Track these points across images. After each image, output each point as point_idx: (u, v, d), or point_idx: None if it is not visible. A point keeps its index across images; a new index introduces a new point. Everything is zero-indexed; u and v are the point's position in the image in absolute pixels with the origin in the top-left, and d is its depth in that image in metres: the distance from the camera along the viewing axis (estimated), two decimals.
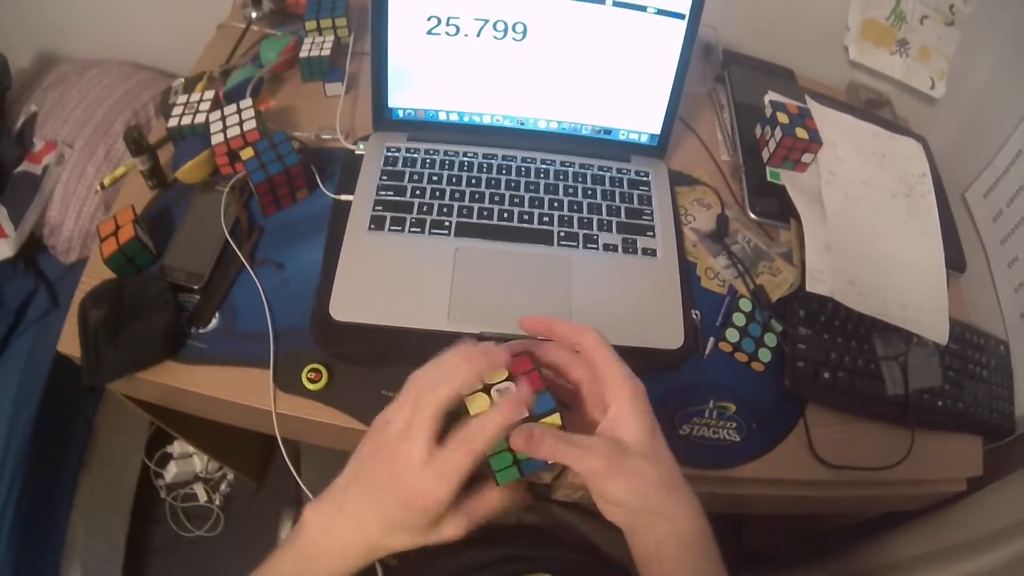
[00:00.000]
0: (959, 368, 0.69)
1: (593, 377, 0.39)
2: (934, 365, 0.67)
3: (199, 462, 1.15)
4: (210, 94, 0.67)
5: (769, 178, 0.70)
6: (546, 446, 0.36)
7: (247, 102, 0.65)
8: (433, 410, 0.35)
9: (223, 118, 0.64)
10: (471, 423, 0.35)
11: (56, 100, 0.89)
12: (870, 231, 0.70)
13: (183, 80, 0.73)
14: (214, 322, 0.58)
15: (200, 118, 0.66)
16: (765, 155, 0.71)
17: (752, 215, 0.69)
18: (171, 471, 1.13)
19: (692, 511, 0.39)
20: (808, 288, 0.63)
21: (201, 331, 0.58)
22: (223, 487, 1.20)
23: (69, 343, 0.56)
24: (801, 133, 0.68)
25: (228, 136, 0.63)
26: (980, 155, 0.84)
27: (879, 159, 0.77)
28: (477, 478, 0.38)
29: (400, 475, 0.35)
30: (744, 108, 0.76)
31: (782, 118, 0.69)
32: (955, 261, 0.74)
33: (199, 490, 1.17)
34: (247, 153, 0.61)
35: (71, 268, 0.85)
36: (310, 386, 0.55)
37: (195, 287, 0.59)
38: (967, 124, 0.89)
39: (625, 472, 0.36)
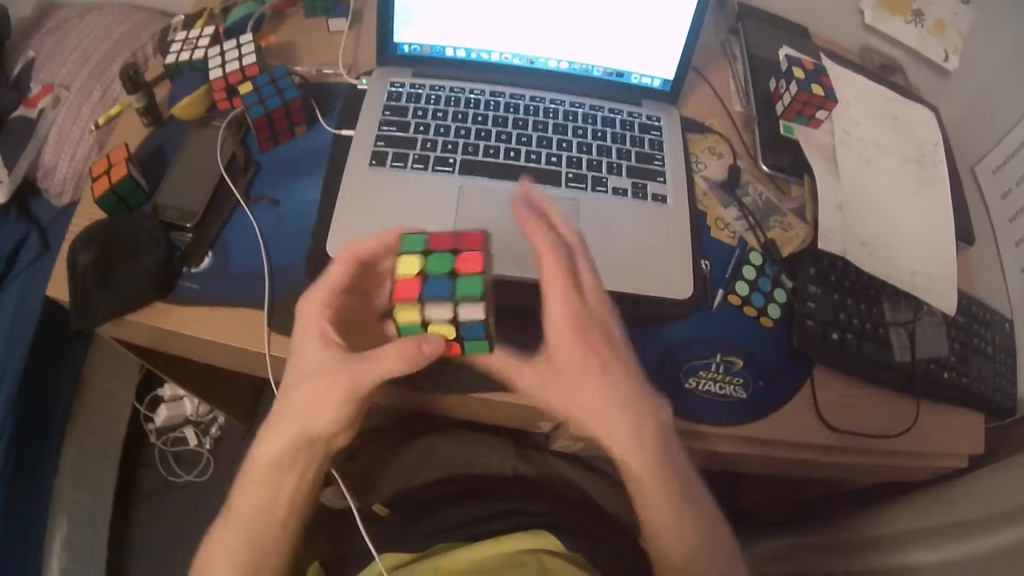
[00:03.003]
0: (965, 341, 0.68)
1: None
2: (941, 335, 0.66)
3: (189, 405, 1.14)
4: (210, 30, 0.66)
5: (783, 132, 0.68)
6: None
7: (247, 37, 0.63)
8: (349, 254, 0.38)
9: (222, 53, 0.63)
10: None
11: (54, 44, 0.87)
12: (882, 194, 0.69)
13: (183, 17, 0.71)
14: (207, 261, 0.56)
15: (199, 54, 0.64)
16: (779, 109, 0.69)
17: (764, 168, 0.67)
18: (161, 414, 1.11)
19: (620, 441, 0.38)
20: (820, 246, 0.61)
21: (193, 271, 0.56)
22: (213, 430, 1.19)
23: (58, 287, 0.55)
24: (816, 89, 0.67)
25: (227, 71, 0.62)
26: (991, 131, 0.82)
27: (892, 123, 0.76)
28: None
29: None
30: (758, 61, 0.75)
31: (798, 73, 0.67)
32: (964, 233, 0.73)
33: (189, 434, 1.15)
34: (245, 88, 0.60)
35: (64, 211, 0.83)
36: None
37: (188, 225, 0.57)
38: (979, 99, 0.88)
39: (540, 399, 0.39)
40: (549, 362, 0.38)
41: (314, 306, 0.37)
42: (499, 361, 0.39)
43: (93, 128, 0.72)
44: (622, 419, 0.38)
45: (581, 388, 0.38)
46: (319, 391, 0.36)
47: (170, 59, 0.64)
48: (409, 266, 0.35)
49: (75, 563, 0.90)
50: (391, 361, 0.35)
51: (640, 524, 0.41)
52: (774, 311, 0.60)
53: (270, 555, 0.39)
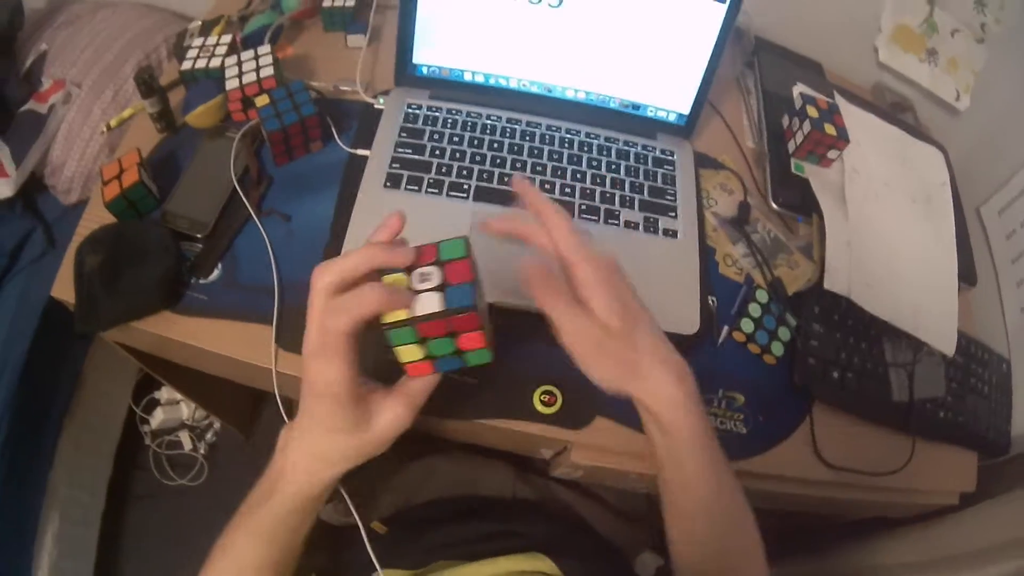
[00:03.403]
0: (961, 381, 0.68)
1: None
2: (939, 375, 0.67)
3: (186, 409, 1.13)
4: (227, 38, 0.65)
5: (793, 170, 0.69)
6: (548, 295, 0.37)
7: (265, 48, 0.63)
8: (343, 338, 0.35)
9: (239, 63, 0.63)
10: (349, 296, 0.35)
11: (67, 39, 0.86)
12: (888, 233, 0.70)
13: (200, 23, 0.70)
14: (216, 273, 0.56)
15: (215, 62, 0.64)
16: (791, 146, 0.70)
17: (774, 205, 0.68)
18: (157, 417, 1.11)
19: (656, 395, 0.39)
20: (826, 285, 0.62)
21: (202, 282, 0.56)
22: (209, 436, 1.19)
23: (63, 288, 0.54)
24: (829, 129, 0.67)
25: (243, 82, 0.61)
26: (998, 172, 0.83)
27: (901, 162, 0.77)
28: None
29: (305, 373, 0.37)
30: (771, 97, 0.75)
31: (812, 112, 0.68)
32: (966, 273, 0.73)
33: (184, 438, 1.15)
34: (262, 100, 0.60)
35: (70, 209, 0.82)
36: None
37: (198, 235, 0.57)
38: (988, 140, 0.89)
39: (588, 358, 0.38)
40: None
41: (345, 377, 0.35)
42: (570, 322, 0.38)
43: (104, 129, 0.72)
44: (663, 378, 0.39)
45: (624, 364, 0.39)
46: (375, 437, 0.38)
47: (186, 65, 0.64)
48: (411, 354, 0.37)
49: (66, 559, 0.90)
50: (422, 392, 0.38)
51: (666, 481, 0.42)
52: (777, 348, 0.60)
53: (285, 566, 0.41)
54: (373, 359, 0.40)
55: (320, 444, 0.38)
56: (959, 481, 0.67)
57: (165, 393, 1.12)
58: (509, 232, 0.40)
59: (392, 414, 0.37)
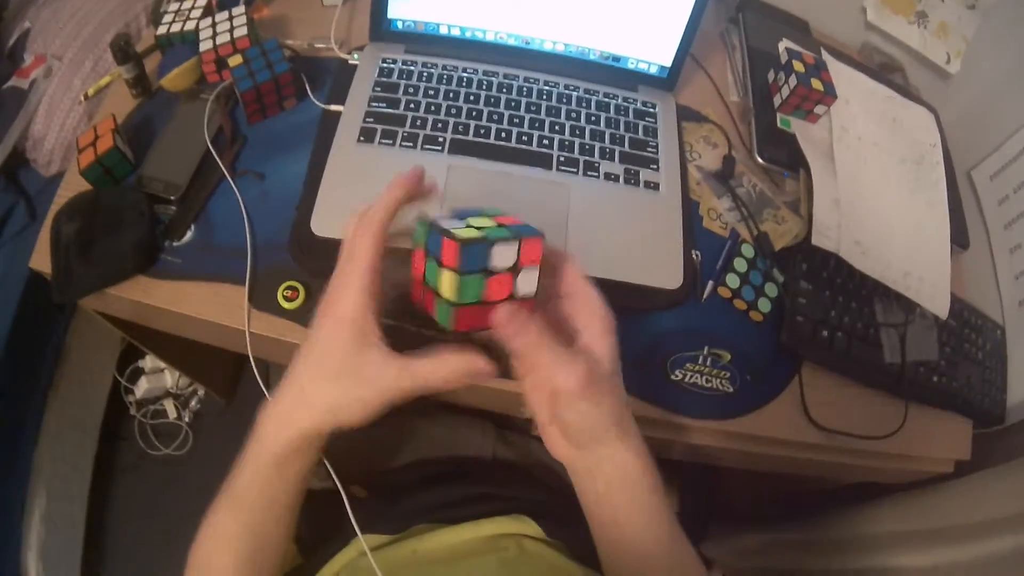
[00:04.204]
0: (955, 346, 0.67)
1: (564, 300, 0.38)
2: (931, 338, 0.65)
3: (170, 378, 1.13)
4: (202, 2, 0.65)
5: (779, 125, 0.67)
6: (531, 332, 0.33)
7: (239, 9, 0.63)
8: (377, 232, 0.35)
9: (214, 25, 0.62)
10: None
11: (50, 15, 0.87)
12: (878, 193, 0.68)
13: None
14: (189, 235, 0.56)
15: (190, 25, 0.63)
16: (777, 101, 0.68)
17: (760, 160, 0.66)
18: (141, 387, 1.11)
19: (639, 450, 0.38)
20: (814, 242, 0.60)
21: (175, 244, 0.55)
22: (193, 403, 1.19)
23: (42, 259, 0.54)
24: (816, 84, 0.66)
25: (217, 43, 0.61)
26: (990, 137, 0.81)
27: (891, 123, 0.75)
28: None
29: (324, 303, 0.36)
30: (756, 53, 0.74)
31: (798, 67, 0.66)
32: (958, 237, 0.72)
33: (169, 406, 1.15)
34: (235, 60, 0.59)
35: (51, 181, 0.82)
36: (286, 305, 0.53)
37: (172, 198, 0.56)
38: (980, 104, 0.87)
39: (594, 395, 0.34)
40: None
41: (356, 301, 0.33)
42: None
43: (82, 99, 0.71)
44: (629, 428, 0.38)
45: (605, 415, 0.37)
46: (359, 395, 0.34)
47: (161, 30, 0.64)
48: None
49: (54, 536, 0.90)
50: (443, 378, 0.34)
51: (621, 524, 0.40)
52: (764, 305, 0.59)
53: (272, 538, 0.40)
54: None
55: (303, 385, 0.35)
56: (954, 449, 0.66)
57: (149, 362, 1.12)
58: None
59: (391, 378, 0.34)
